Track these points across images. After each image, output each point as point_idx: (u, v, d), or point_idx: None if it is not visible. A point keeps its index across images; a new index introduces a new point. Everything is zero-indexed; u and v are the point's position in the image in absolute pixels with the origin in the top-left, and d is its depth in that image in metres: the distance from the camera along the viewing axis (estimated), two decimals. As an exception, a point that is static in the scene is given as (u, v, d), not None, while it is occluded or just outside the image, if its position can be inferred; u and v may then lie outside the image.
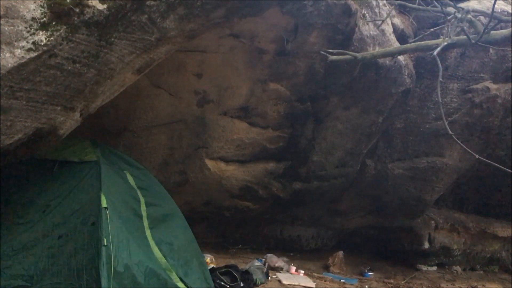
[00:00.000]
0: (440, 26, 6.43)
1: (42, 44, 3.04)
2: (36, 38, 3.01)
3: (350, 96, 6.40)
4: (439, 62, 4.67)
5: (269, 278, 6.46)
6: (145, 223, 4.48)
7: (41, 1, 3.01)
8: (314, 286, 6.61)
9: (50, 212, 4.13)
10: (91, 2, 3.18)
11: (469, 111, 7.14)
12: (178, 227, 4.85)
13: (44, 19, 3.03)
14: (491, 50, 6.64)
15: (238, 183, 6.84)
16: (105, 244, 3.82)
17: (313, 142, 6.79)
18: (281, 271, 6.96)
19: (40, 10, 3.01)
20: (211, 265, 5.94)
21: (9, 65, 2.96)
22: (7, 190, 4.36)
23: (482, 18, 5.91)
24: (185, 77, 5.66)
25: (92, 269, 3.81)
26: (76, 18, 3.15)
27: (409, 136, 7.34)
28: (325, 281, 7.06)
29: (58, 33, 3.10)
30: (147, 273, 4.10)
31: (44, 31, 3.03)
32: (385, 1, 6.43)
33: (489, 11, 4.94)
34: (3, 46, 2.91)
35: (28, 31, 2.98)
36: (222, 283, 5.44)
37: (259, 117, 6.23)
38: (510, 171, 4.32)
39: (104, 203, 4.03)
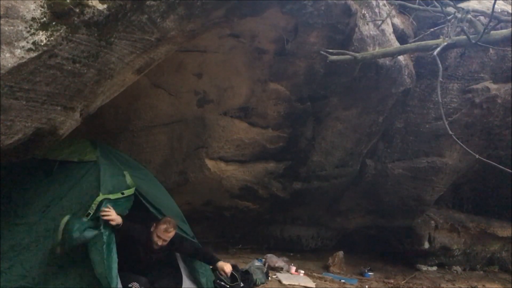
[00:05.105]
0: (440, 26, 6.43)
1: (42, 44, 3.04)
2: (36, 38, 3.01)
3: (350, 96, 6.40)
4: (439, 62, 4.67)
5: (269, 278, 6.47)
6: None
7: (41, 1, 3.01)
8: (314, 286, 6.61)
9: (50, 212, 4.13)
10: (91, 2, 3.17)
11: (469, 111, 7.14)
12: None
13: (44, 19, 3.02)
14: (491, 50, 6.64)
15: (238, 183, 6.84)
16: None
17: (313, 142, 6.79)
18: (281, 271, 6.96)
19: (40, 10, 3.00)
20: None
21: (9, 65, 2.95)
22: (7, 190, 4.35)
23: (482, 18, 5.91)
24: (185, 77, 5.65)
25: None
26: (76, 18, 3.14)
27: (409, 136, 7.35)
28: (325, 281, 7.07)
29: (58, 33, 3.10)
30: None
31: (44, 31, 3.03)
32: (385, 1, 6.42)
33: (489, 11, 4.94)
34: (3, 46, 2.90)
35: (28, 31, 2.98)
36: (222, 283, 5.43)
37: (259, 117, 6.23)
38: (510, 171, 4.31)
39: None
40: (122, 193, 4.21)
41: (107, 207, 3.96)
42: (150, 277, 4.40)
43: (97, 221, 3.90)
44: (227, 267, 4.50)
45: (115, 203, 4.10)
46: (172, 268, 4.66)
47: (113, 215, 3.95)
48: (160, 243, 4.32)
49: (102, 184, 4.15)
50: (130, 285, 4.10)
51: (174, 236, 4.39)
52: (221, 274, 4.54)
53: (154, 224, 4.36)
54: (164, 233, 4.30)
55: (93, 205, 3.97)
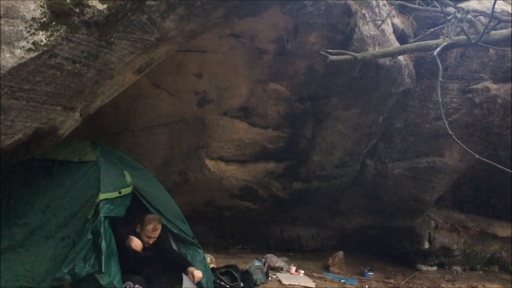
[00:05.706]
0: (440, 26, 6.43)
1: (42, 44, 3.04)
2: (36, 38, 3.01)
3: (350, 96, 6.41)
4: (439, 62, 4.67)
5: (269, 278, 6.46)
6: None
7: (41, 1, 3.01)
8: (314, 286, 6.60)
9: (50, 212, 4.13)
10: (91, 2, 3.18)
11: (469, 111, 7.14)
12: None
13: (44, 19, 3.03)
14: (491, 50, 6.64)
15: (238, 183, 6.84)
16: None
17: (313, 142, 6.79)
18: (281, 271, 6.95)
19: (40, 10, 3.01)
20: (211, 265, 5.93)
21: (9, 65, 2.95)
22: (7, 190, 4.35)
23: (482, 18, 5.91)
24: (185, 77, 5.66)
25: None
26: (76, 18, 3.15)
27: (409, 136, 7.35)
28: (325, 281, 7.06)
29: (58, 33, 3.10)
30: None
31: (44, 31, 3.03)
32: (385, 1, 6.43)
33: (489, 11, 4.93)
34: (3, 46, 2.91)
35: (28, 31, 2.98)
36: (222, 283, 5.44)
37: (259, 117, 6.23)
38: (510, 171, 4.32)
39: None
40: (120, 192, 4.23)
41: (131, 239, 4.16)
42: (145, 275, 4.40)
43: (95, 221, 3.93)
44: (196, 273, 4.43)
45: (112, 203, 4.11)
46: (168, 265, 4.64)
47: (135, 242, 4.15)
48: (151, 241, 4.34)
49: (102, 184, 4.17)
50: (124, 285, 4.09)
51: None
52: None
53: (139, 226, 4.33)
54: (153, 232, 4.33)
55: (91, 210, 3.99)
